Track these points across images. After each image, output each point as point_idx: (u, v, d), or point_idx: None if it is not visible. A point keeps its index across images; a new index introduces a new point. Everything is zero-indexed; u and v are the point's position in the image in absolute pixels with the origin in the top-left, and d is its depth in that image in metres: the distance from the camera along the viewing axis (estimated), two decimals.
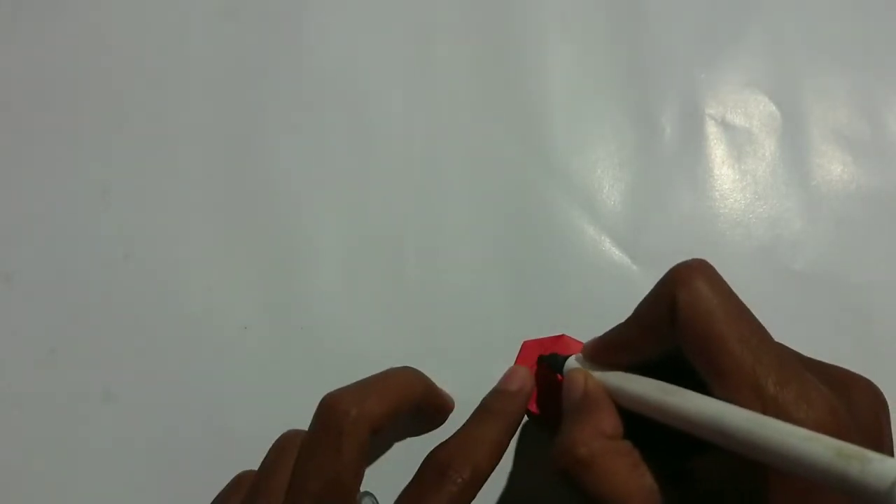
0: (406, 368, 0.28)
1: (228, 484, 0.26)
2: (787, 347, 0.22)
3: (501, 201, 0.34)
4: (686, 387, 0.21)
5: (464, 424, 0.26)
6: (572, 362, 0.26)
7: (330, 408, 0.24)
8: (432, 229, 0.34)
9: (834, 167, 0.35)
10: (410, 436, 0.31)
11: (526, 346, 0.31)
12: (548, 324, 0.32)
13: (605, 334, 0.25)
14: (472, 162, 0.35)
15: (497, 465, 0.25)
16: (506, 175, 0.35)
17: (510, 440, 0.26)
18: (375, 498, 0.27)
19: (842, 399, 0.20)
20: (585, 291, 0.33)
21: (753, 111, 0.36)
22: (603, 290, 0.33)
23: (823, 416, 0.19)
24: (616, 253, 0.34)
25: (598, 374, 0.25)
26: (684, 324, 0.21)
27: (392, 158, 0.35)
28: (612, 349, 0.25)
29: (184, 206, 0.35)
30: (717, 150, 0.35)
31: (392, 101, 0.36)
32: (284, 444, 0.25)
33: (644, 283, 0.33)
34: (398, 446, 0.31)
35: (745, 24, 0.37)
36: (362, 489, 0.25)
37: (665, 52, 0.37)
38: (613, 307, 0.32)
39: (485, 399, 0.28)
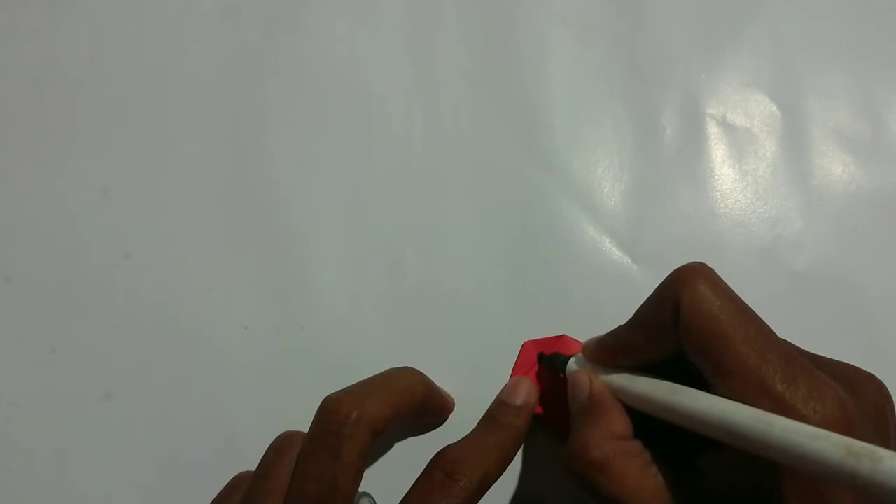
0: (406, 369, 0.28)
1: (226, 485, 0.26)
2: (792, 345, 0.22)
3: (501, 201, 0.34)
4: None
5: (472, 432, 0.26)
6: (573, 364, 0.26)
7: (330, 410, 0.24)
8: (432, 229, 0.34)
9: (834, 167, 0.35)
10: (410, 435, 0.31)
11: (526, 347, 0.31)
12: (548, 324, 0.32)
13: (606, 336, 0.25)
14: (473, 162, 0.35)
15: (503, 474, 0.25)
16: (506, 175, 0.35)
17: (517, 452, 0.26)
18: (373, 498, 0.27)
19: (850, 394, 0.20)
20: (585, 291, 0.33)
21: (754, 111, 0.36)
22: (603, 289, 0.33)
23: (833, 412, 0.19)
24: (616, 253, 0.34)
25: (603, 376, 0.25)
26: (688, 326, 0.21)
27: (392, 158, 0.35)
28: (613, 351, 0.25)
29: (184, 206, 0.35)
30: (718, 150, 0.35)
31: (392, 100, 0.36)
32: (281, 446, 0.25)
33: (644, 283, 0.33)
34: (397, 445, 0.31)
35: (745, 24, 0.37)
36: (360, 490, 0.25)
37: (665, 52, 0.37)
38: (613, 307, 0.32)
39: (490, 410, 0.28)
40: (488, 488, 0.25)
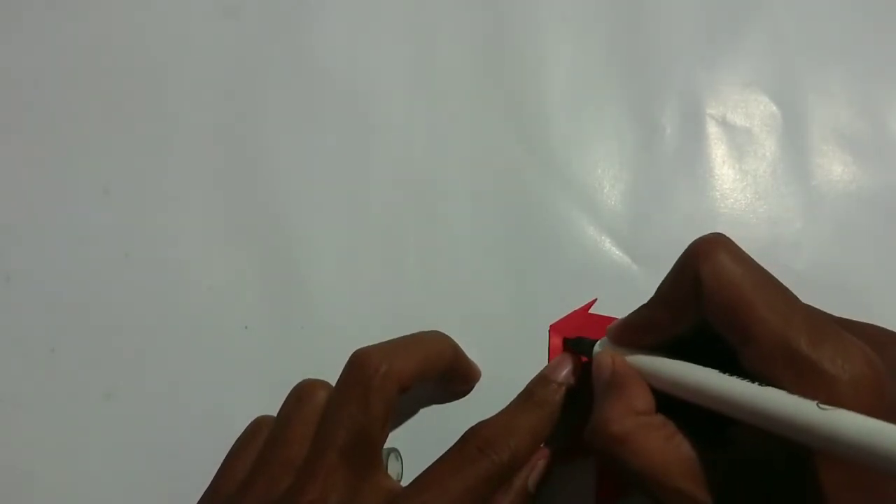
0: (436, 332, 0.29)
1: (245, 430, 0.27)
2: (817, 309, 0.22)
3: (501, 201, 0.34)
4: (713, 362, 0.22)
5: (508, 406, 0.26)
6: (598, 347, 0.26)
7: (360, 363, 0.24)
8: (432, 229, 0.34)
9: (834, 167, 0.35)
10: (435, 402, 0.31)
11: (554, 329, 0.31)
12: (547, 324, 0.32)
13: (629, 316, 0.25)
14: (472, 162, 0.35)
15: (535, 452, 0.26)
16: (506, 175, 0.35)
17: (551, 430, 0.26)
18: (399, 453, 0.27)
19: (878, 352, 0.20)
20: (585, 291, 0.33)
21: (754, 111, 0.36)
22: (603, 290, 0.33)
23: (862, 370, 0.19)
24: (616, 253, 0.34)
25: (629, 358, 0.25)
26: (710, 296, 0.21)
27: (392, 158, 0.35)
28: (637, 330, 0.25)
29: (184, 205, 0.35)
30: (718, 150, 0.35)
31: (392, 101, 0.36)
32: (302, 394, 0.25)
33: (644, 283, 0.33)
34: (425, 417, 0.31)
35: (745, 24, 0.37)
36: (388, 446, 0.25)
37: (665, 52, 0.37)
38: (613, 307, 0.32)
39: (530, 385, 0.28)
40: (520, 467, 0.25)
